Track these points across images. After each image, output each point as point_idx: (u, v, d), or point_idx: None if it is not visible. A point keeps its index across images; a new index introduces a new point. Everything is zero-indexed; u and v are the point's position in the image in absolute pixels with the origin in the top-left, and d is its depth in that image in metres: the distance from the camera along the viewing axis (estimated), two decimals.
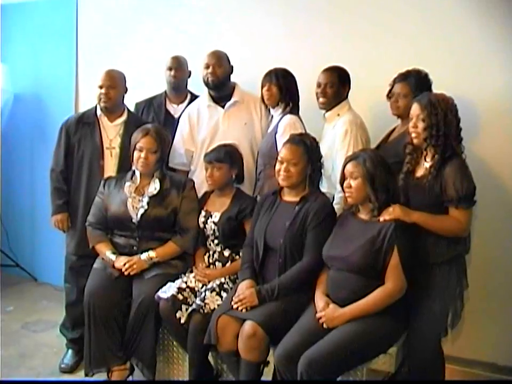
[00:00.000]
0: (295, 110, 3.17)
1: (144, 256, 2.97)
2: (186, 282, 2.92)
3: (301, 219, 2.70)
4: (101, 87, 3.24)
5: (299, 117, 3.15)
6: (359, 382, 2.52)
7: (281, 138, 2.98)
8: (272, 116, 3.28)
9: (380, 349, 2.48)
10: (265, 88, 3.19)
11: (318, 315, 2.49)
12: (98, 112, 3.32)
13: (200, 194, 3.21)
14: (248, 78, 3.47)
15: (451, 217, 2.48)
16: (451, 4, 3.18)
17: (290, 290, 2.64)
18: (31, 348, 3.56)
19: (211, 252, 3.09)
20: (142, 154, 3.01)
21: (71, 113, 3.94)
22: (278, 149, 2.91)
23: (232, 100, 3.37)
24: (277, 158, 2.79)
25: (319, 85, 3.11)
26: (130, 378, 2.99)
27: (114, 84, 3.26)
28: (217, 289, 2.86)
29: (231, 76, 3.41)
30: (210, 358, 2.87)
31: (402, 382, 2.74)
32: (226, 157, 3.04)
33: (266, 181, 3.11)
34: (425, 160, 2.56)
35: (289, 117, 3.11)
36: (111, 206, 3.07)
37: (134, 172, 3.11)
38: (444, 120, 2.45)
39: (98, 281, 2.95)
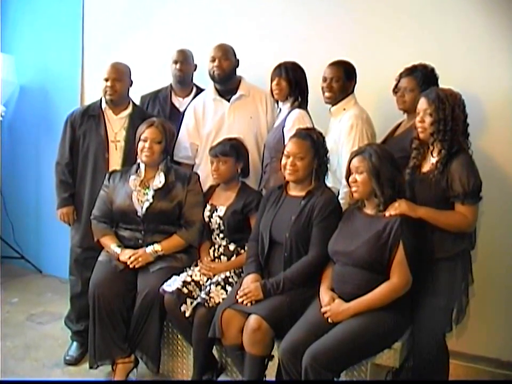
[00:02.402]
0: (303, 104, 3.14)
1: (149, 249, 2.98)
2: (191, 276, 2.92)
3: (306, 214, 2.69)
4: (106, 80, 3.24)
5: (307, 112, 3.13)
6: (362, 382, 2.52)
7: (289, 133, 2.95)
8: (280, 109, 3.27)
9: (385, 344, 2.48)
10: (274, 82, 3.16)
11: (323, 310, 2.49)
12: (103, 105, 3.31)
13: (205, 188, 3.20)
14: (257, 71, 3.46)
15: (457, 213, 2.47)
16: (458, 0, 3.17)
17: (296, 285, 2.64)
18: (36, 339, 3.56)
19: (216, 246, 3.09)
20: (146, 144, 3.01)
21: (77, 106, 3.95)
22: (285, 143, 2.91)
23: (238, 93, 3.35)
24: (283, 152, 2.79)
25: (324, 79, 3.09)
26: (134, 371, 3.01)
27: (120, 76, 3.25)
28: (222, 283, 2.87)
29: (238, 69, 3.40)
30: (214, 351, 2.88)
31: (405, 382, 2.74)
32: (232, 150, 3.03)
33: (273, 174, 3.11)
34: (431, 155, 2.55)
35: (298, 111, 3.09)
36: (116, 199, 3.08)
37: (138, 165, 3.11)
38: (452, 115, 2.44)
39: (103, 274, 2.95)
